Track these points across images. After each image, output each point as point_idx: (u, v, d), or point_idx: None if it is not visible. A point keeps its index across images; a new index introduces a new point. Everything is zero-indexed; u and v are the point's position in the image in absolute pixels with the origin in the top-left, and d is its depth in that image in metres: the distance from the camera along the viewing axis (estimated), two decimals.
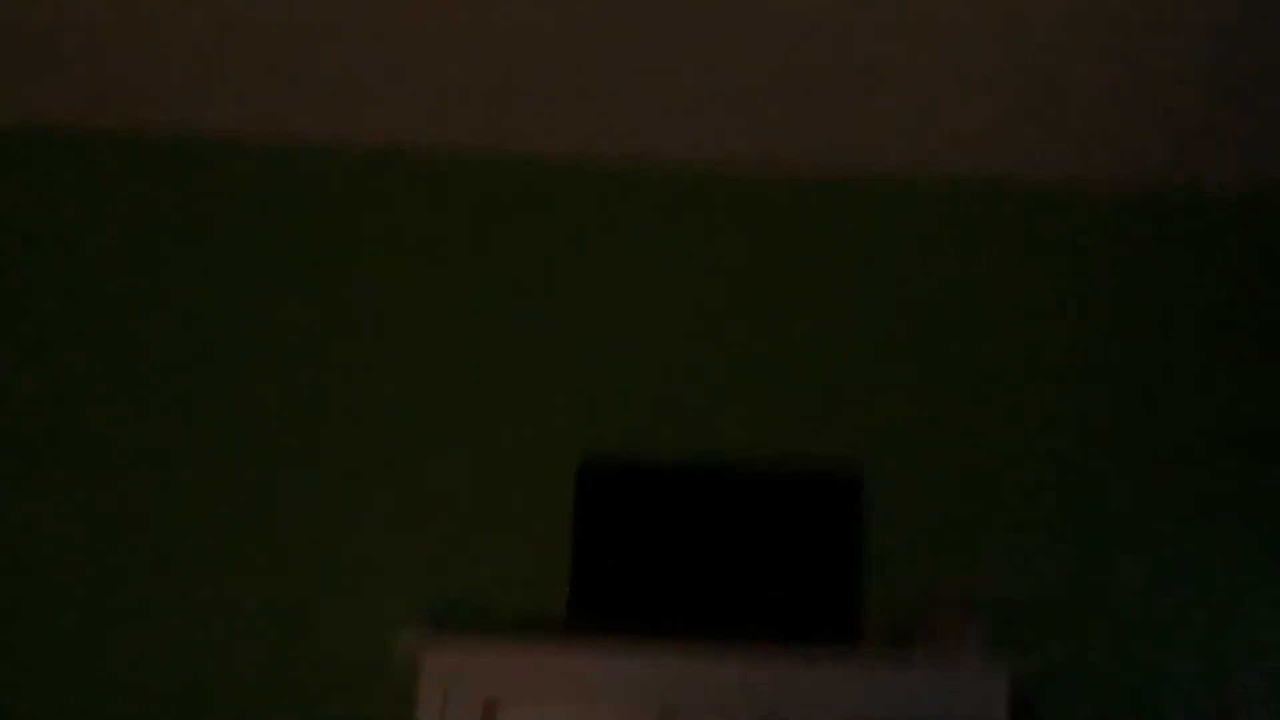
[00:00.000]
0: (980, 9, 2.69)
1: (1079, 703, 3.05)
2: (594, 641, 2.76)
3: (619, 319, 3.24)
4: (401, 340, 3.19)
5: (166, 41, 2.88)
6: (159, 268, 3.20)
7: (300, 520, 3.08)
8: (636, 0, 2.68)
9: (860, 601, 2.98)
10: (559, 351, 3.21)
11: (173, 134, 3.27)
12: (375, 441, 3.13)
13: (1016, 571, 3.14)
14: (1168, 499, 3.21)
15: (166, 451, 3.09)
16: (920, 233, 3.32)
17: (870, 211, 3.33)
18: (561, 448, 3.11)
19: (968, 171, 3.34)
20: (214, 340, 3.16)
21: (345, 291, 3.21)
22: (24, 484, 3.05)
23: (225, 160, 3.27)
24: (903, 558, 3.11)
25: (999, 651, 2.90)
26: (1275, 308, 3.31)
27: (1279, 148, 3.20)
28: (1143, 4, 2.66)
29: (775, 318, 3.26)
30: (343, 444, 3.12)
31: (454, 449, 3.13)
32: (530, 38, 2.83)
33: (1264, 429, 3.25)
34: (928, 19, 2.72)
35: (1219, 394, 3.26)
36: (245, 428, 3.12)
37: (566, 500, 3.03)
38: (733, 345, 3.24)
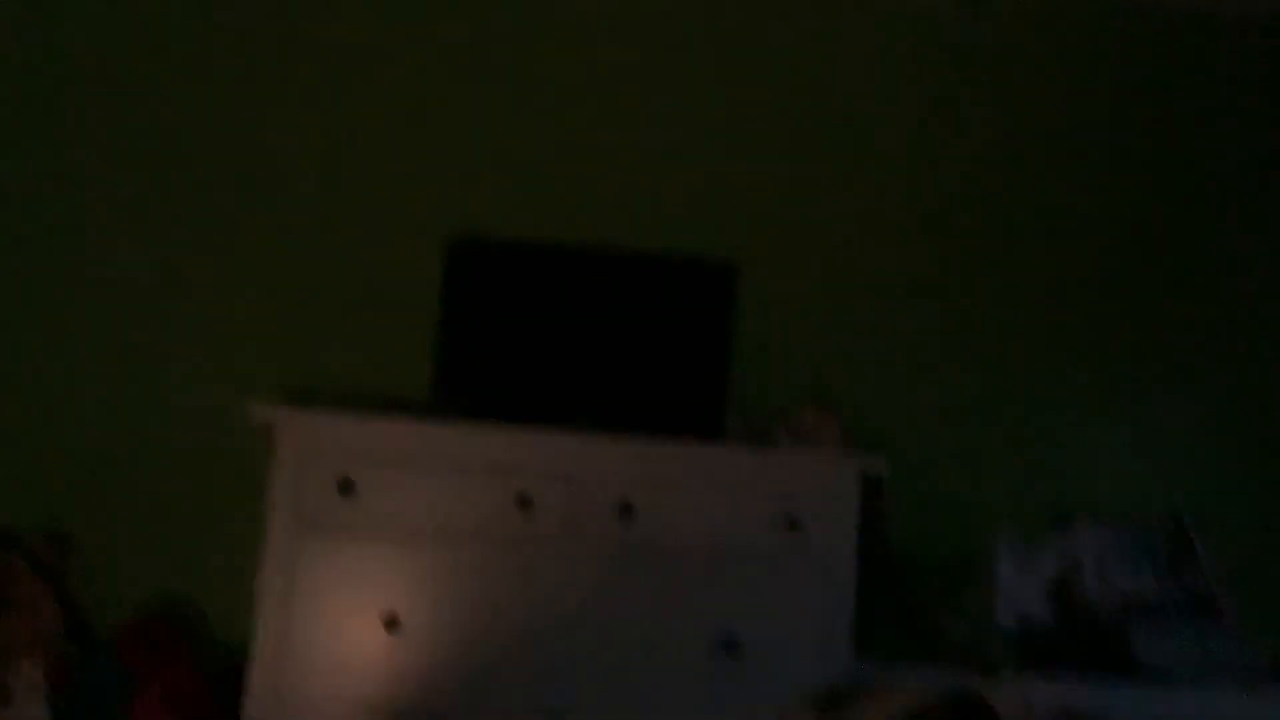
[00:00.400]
0: None
1: (921, 502, 3.14)
2: (454, 421, 2.75)
3: (493, 90, 3.15)
4: (272, 112, 3.07)
5: None
6: None
7: (158, 280, 2.99)
8: None
9: (725, 396, 3.01)
10: (430, 124, 3.12)
11: None
12: (248, 215, 3.04)
13: (873, 372, 3.21)
14: (1026, 316, 3.29)
15: (61, 211, 2.98)
16: (812, 19, 3.27)
17: None
18: (430, 226, 3.04)
19: None
20: (93, 114, 3.04)
21: (221, 66, 3.07)
22: None
23: None
24: (768, 354, 3.14)
25: (853, 447, 2.96)
26: (1145, 131, 3.38)
27: None
28: None
29: (657, 100, 3.20)
30: (216, 216, 3.03)
31: (321, 222, 3.06)
32: None
33: (1115, 255, 3.33)
34: None
35: (1082, 219, 3.32)
36: (114, 196, 3.00)
37: (434, 280, 2.98)
38: (613, 123, 3.18)
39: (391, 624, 2.58)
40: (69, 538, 2.85)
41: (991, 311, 3.27)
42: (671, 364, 3.00)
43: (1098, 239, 3.32)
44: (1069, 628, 2.90)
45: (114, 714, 2.52)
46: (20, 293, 2.94)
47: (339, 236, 3.06)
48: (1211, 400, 3.28)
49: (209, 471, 2.93)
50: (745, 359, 3.12)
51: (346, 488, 2.61)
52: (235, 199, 3.04)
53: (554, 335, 2.98)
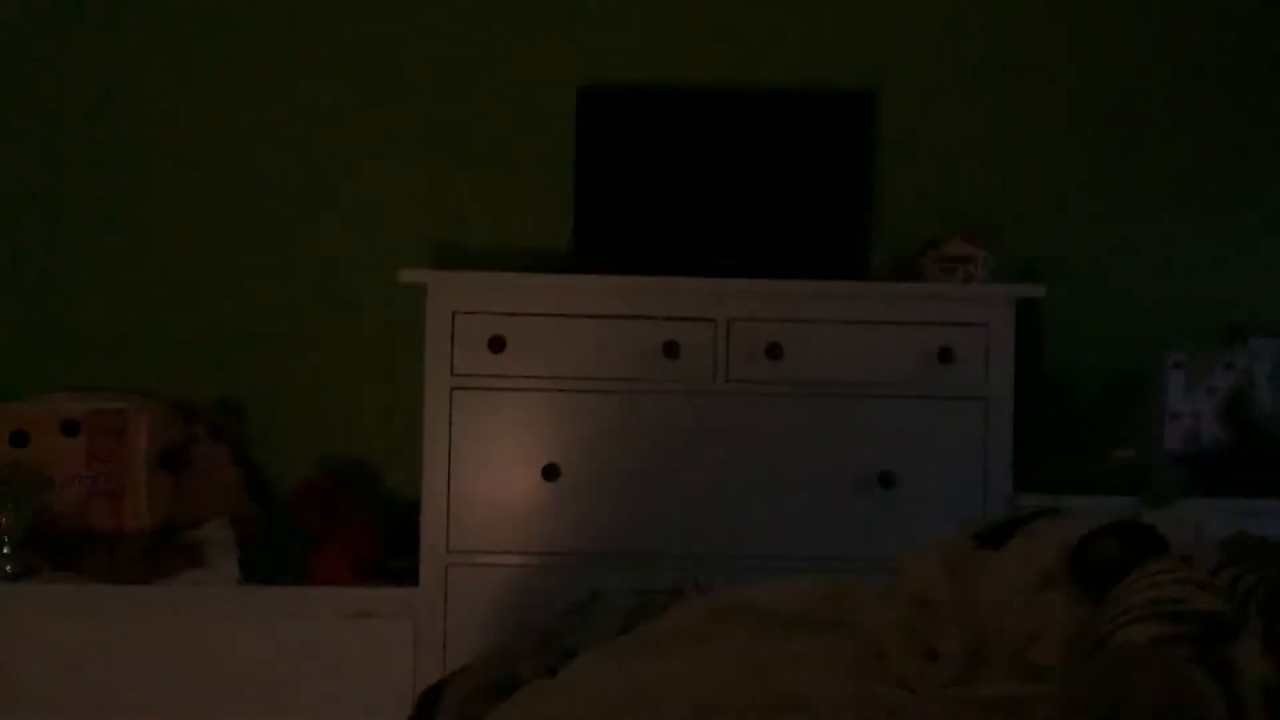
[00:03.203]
0: None
1: (1083, 328, 3.05)
2: (597, 272, 2.75)
3: None
4: None
5: None
6: None
7: (308, 160, 3.04)
8: None
9: (870, 231, 2.95)
10: None
11: None
12: (385, 81, 3.05)
13: (1028, 201, 3.09)
14: (1183, 139, 3.11)
15: (193, 99, 3.04)
16: None
17: None
18: (560, 76, 2.99)
19: None
20: None
21: None
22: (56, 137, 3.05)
23: None
24: (912, 184, 3.04)
25: (1005, 274, 2.87)
26: None
27: None
28: None
29: None
30: (349, 86, 3.05)
31: (454, 83, 3.05)
32: None
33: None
34: None
35: (1241, 45, 3.10)
36: (256, 79, 3.04)
37: (568, 130, 2.95)
38: None
39: (549, 473, 2.64)
40: (242, 405, 2.99)
41: (1147, 125, 3.09)
42: (813, 201, 2.94)
43: (1258, 48, 3.09)
44: (1242, 447, 2.80)
45: (297, 567, 2.67)
46: (175, 176, 3.04)
47: (472, 96, 3.05)
48: None
49: (369, 335, 3.02)
50: (889, 191, 3.02)
51: (498, 345, 2.66)
52: (372, 67, 3.05)
53: (691, 180, 2.94)
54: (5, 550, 2.63)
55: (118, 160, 3.03)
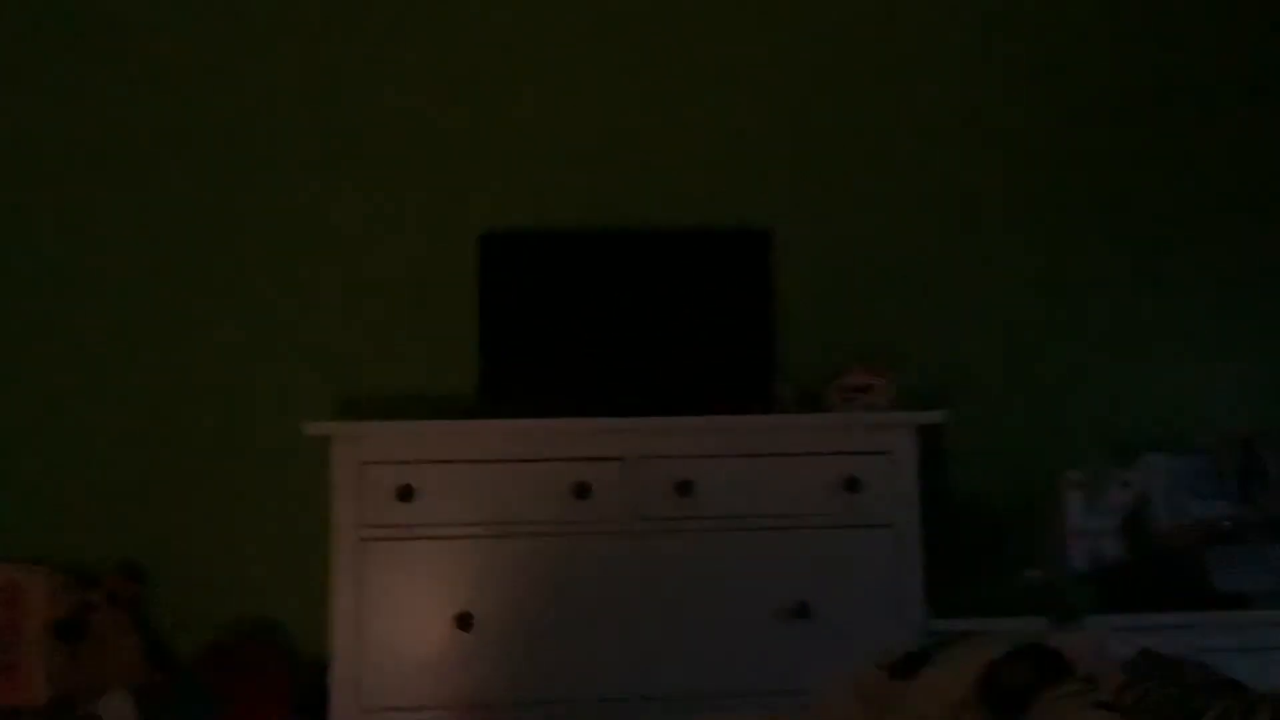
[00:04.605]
0: None
1: (984, 450, 3.11)
2: (504, 416, 2.76)
3: (515, 81, 3.14)
4: (301, 119, 3.09)
5: None
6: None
7: (208, 311, 3.02)
8: None
9: (773, 365, 2.99)
10: (455, 123, 3.11)
11: None
12: (279, 230, 3.06)
13: (926, 328, 3.17)
14: (1073, 261, 3.23)
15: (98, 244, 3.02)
16: None
17: None
18: (461, 223, 3.04)
19: None
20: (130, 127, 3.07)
21: (253, 70, 3.10)
22: None
23: None
24: (812, 318, 3.11)
25: (907, 402, 2.93)
26: (1185, 66, 3.31)
27: None
28: None
29: (679, 72, 3.17)
30: (251, 232, 3.05)
31: (356, 230, 3.07)
32: None
33: (1170, 194, 3.27)
34: None
35: (1127, 167, 3.26)
36: (156, 234, 3.04)
37: (471, 276, 2.98)
38: (635, 103, 3.16)
39: (463, 621, 2.60)
40: (142, 568, 2.91)
41: (1036, 248, 3.22)
42: (716, 337, 2.99)
43: (1145, 172, 3.26)
44: (1144, 563, 2.87)
45: None
46: (69, 328, 3.00)
47: (375, 246, 3.07)
48: (1275, 316, 3.22)
49: (274, 491, 2.97)
50: (789, 325, 3.09)
51: (406, 494, 2.63)
52: (276, 217, 3.06)
53: (594, 321, 2.98)
54: None
55: (6, 320, 2.98)
